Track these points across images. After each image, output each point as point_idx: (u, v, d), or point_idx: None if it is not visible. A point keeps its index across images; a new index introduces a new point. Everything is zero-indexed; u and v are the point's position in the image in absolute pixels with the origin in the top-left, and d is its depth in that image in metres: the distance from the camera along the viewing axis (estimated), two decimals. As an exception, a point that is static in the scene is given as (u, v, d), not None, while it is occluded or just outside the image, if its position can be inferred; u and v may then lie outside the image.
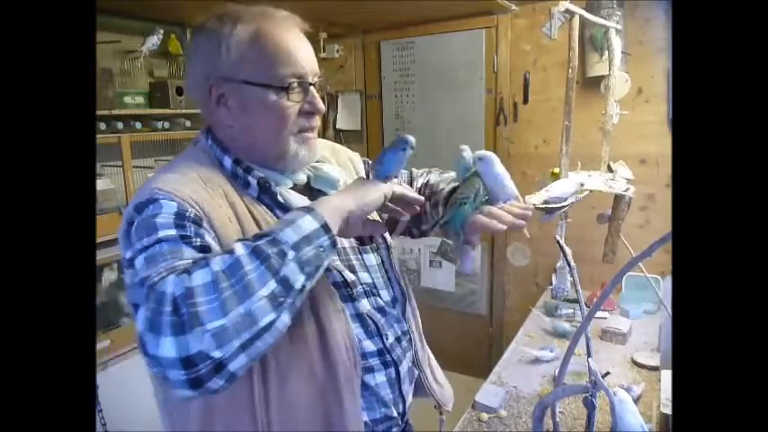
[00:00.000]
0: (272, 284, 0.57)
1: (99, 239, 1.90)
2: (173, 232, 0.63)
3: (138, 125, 2.10)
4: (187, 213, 0.66)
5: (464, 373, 2.77)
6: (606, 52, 1.98)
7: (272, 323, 0.57)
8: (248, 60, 0.73)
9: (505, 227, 0.81)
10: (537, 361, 1.62)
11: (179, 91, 2.20)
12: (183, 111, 2.23)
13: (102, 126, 1.96)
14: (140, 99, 2.18)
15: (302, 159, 0.80)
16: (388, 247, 0.96)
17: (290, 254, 0.59)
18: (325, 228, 0.63)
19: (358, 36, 2.82)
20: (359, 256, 0.90)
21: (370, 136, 2.92)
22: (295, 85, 0.75)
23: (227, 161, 0.78)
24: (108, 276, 2.05)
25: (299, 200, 0.80)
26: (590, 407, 0.86)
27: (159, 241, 0.62)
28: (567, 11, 1.22)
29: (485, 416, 1.35)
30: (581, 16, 1.35)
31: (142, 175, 2.15)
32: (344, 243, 0.87)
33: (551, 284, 2.34)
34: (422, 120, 2.73)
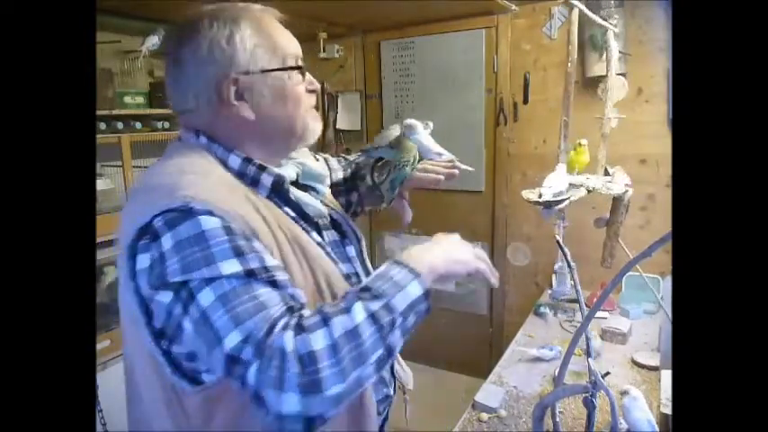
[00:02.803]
0: (381, 352, 0.61)
1: (99, 239, 1.89)
2: (237, 267, 0.61)
3: (138, 125, 2.10)
4: (233, 227, 0.64)
5: (464, 373, 2.77)
6: (605, 53, 1.99)
7: (369, 381, 0.62)
8: (260, 51, 0.76)
9: (443, 177, 1.01)
10: (537, 360, 1.62)
11: (179, 91, 2.20)
12: (183, 111, 2.23)
13: (102, 126, 1.96)
14: (140, 99, 2.18)
15: (314, 132, 0.83)
16: (359, 239, 0.97)
17: (398, 322, 0.63)
18: (426, 294, 0.66)
19: (358, 36, 2.82)
20: (341, 249, 0.90)
21: (370, 136, 2.92)
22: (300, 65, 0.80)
23: (235, 160, 0.76)
24: (108, 276, 2.05)
25: (306, 198, 0.82)
26: (590, 407, 0.86)
27: (226, 277, 0.60)
28: (566, 2, 1.22)
29: (485, 416, 1.34)
30: (581, 14, 1.34)
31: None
32: (327, 237, 0.87)
33: (551, 285, 2.33)
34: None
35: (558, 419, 1.03)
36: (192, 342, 0.62)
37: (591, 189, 1.42)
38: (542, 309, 2.03)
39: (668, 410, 1.09)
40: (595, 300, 0.99)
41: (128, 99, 2.13)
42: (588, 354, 1.03)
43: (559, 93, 2.31)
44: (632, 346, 1.69)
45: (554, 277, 2.33)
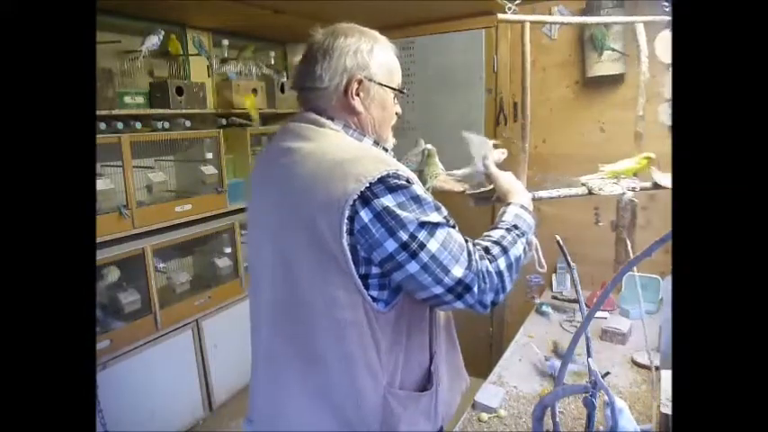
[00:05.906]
0: (520, 264, 0.97)
1: (99, 239, 1.89)
2: (440, 217, 0.88)
3: (138, 125, 2.10)
4: (425, 190, 0.91)
5: (464, 373, 2.77)
6: (606, 52, 1.99)
7: None
8: (384, 68, 1.01)
9: (457, 190, 1.42)
10: (537, 361, 1.62)
11: (179, 91, 2.20)
12: (183, 111, 2.23)
13: (102, 126, 1.96)
14: (140, 99, 2.18)
15: (391, 143, 1.09)
16: None
17: (524, 240, 0.99)
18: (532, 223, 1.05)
19: (358, 36, 2.81)
20: None
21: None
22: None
23: (368, 141, 1.01)
24: (108, 276, 2.05)
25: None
26: (590, 407, 0.85)
27: (439, 224, 0.87)
28: (501, 21, 1.26)
29: (485, 416, 1.35)
30: (584, 13, 1.34)
31: (142, 175, 2.15)
32: None
33: (551, 286, 2.34)
34: (422, 120, 2.73)
35: (557, 419, 1.03)
36: (416, 273, 0.86)
37: (590, 189, 1.42)
38: (543, 308, 2.03)
39: (668, 410, 1.09)
40: (595, 300, 0.99)
41: (128, 99, 2.13)
42: (588, 354, 1.03)
43: (559, 93, 2.33)
44: (632, 346, 1.69)
45: (554, 276, 2.33)
